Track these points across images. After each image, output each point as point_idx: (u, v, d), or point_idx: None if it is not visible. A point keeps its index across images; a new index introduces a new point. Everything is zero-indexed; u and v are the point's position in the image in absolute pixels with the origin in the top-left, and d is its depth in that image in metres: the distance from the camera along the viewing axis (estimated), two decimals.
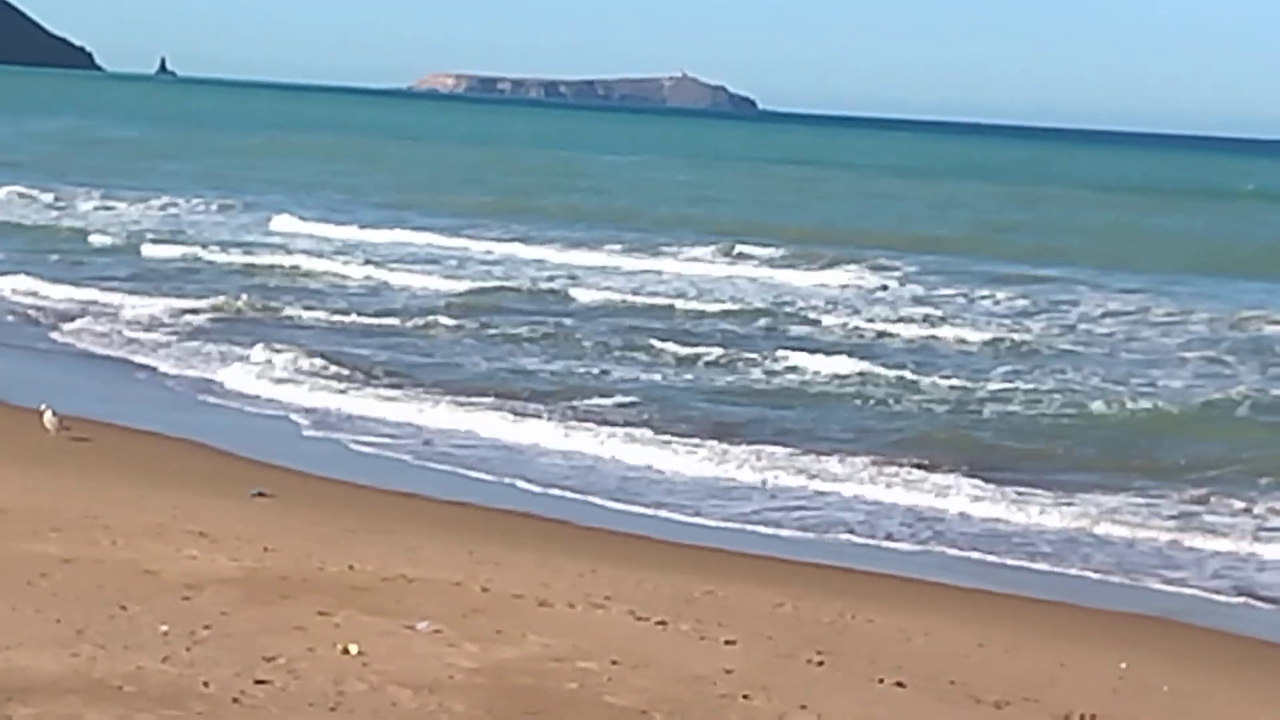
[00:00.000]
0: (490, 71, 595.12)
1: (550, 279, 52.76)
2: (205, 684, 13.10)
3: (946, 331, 44.16)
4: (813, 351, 38.85)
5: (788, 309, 48.16)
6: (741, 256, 60.98)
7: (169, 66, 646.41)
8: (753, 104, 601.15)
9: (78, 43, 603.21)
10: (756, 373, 36.33)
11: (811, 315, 46.73)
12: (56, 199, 70.88)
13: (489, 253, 60.18)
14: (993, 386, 35.88)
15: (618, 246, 62.16)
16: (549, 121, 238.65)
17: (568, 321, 42.99)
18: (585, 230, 68.14)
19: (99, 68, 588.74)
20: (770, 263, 60.01)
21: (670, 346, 38.83)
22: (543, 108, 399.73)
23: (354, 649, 14.52)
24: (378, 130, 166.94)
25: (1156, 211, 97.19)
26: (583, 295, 48.34)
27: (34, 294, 43.16)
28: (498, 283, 50.79)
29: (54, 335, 37.24)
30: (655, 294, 50.09)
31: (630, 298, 48.53)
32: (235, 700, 12.81)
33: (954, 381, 36.20)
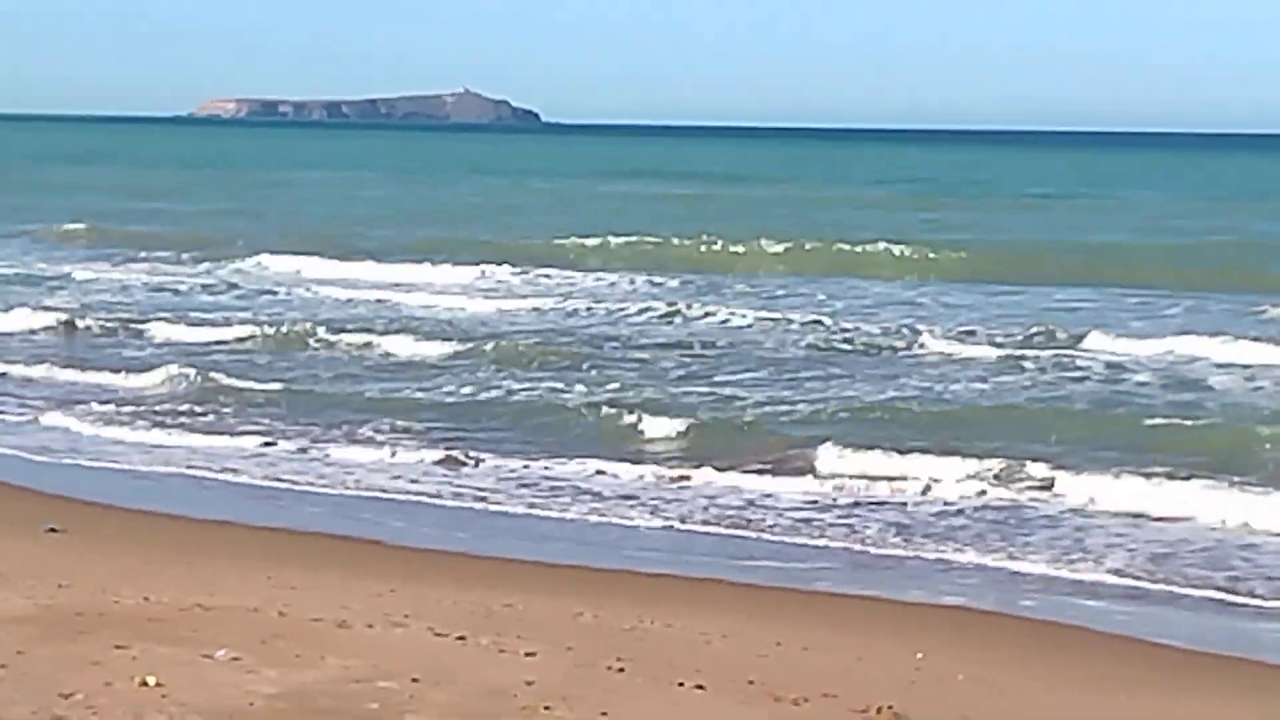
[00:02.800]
0: (271, 95, 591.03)
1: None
2: None
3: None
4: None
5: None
6: None
7: None
8: (536, 117, 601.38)
9: None
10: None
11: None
12: None
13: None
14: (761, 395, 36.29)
15: None
16: (329, 142, 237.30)
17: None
18: None
19: None
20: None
21: None
22: (325, 128, 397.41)
23: (152, 681, 14.37)
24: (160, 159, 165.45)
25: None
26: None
27: None
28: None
29: None
30: None
31: None
32: None
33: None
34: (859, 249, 65.72)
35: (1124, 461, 27.90)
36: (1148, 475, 26.87)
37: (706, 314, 48.60)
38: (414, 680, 14.83)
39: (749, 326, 46.20)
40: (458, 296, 53.42)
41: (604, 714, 14.24)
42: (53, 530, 22.47)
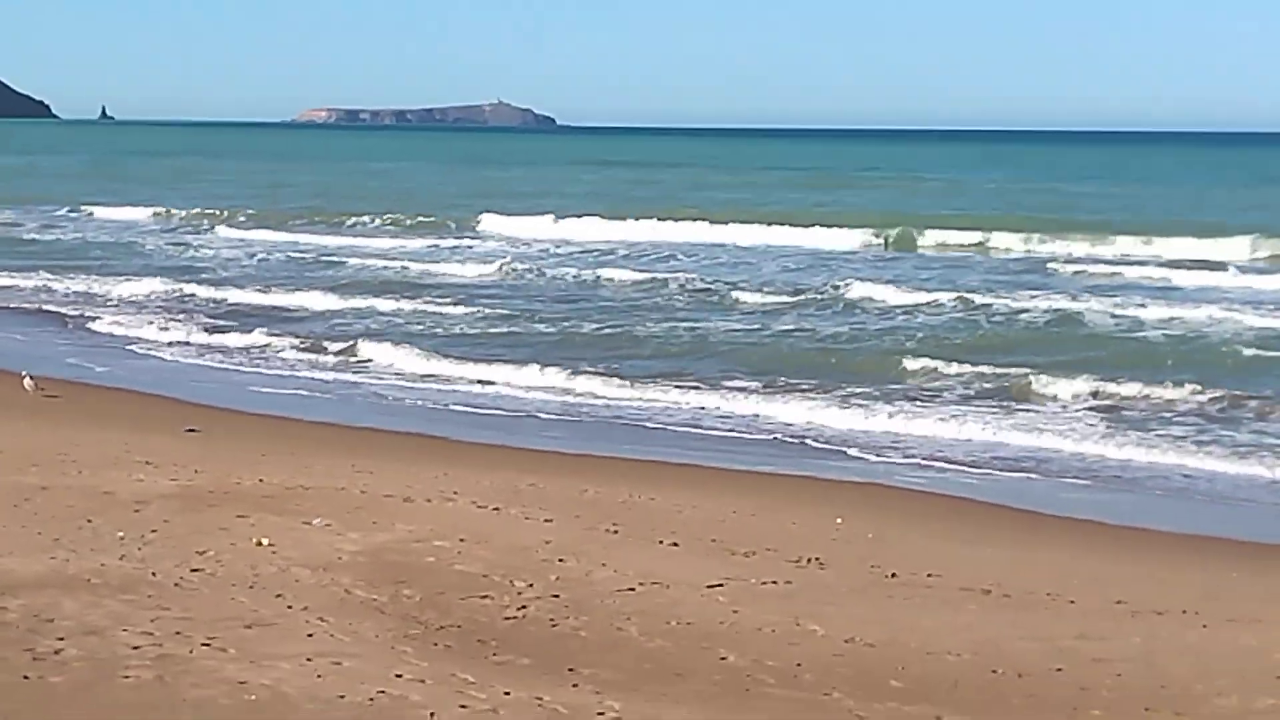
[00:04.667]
0: (353, 105, 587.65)
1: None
2: (153, 574, 12.91)
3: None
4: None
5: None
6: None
7: (108, 112, 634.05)
8: (553, 121, 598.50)
9: (38, 97, 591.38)
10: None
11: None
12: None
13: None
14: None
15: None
16: (396, 142, 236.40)
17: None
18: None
19: (55, 116, 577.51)
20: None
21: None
22: (396, 131, 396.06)
23: (265, 542, 14.37)
24: (277, 154, 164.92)
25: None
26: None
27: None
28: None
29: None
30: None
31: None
32: (176, 585, 12.63)
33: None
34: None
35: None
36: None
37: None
38: (461, 540, 14.83)
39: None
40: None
41: (604, 564, 14.25)
42: (192, 430, 22.40)
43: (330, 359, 30.63)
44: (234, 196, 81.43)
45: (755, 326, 35.00)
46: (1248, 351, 31.17)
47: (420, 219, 66.62)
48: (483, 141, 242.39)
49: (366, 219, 66.56)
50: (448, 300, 39.45)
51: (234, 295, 40.02)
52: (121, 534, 14.41)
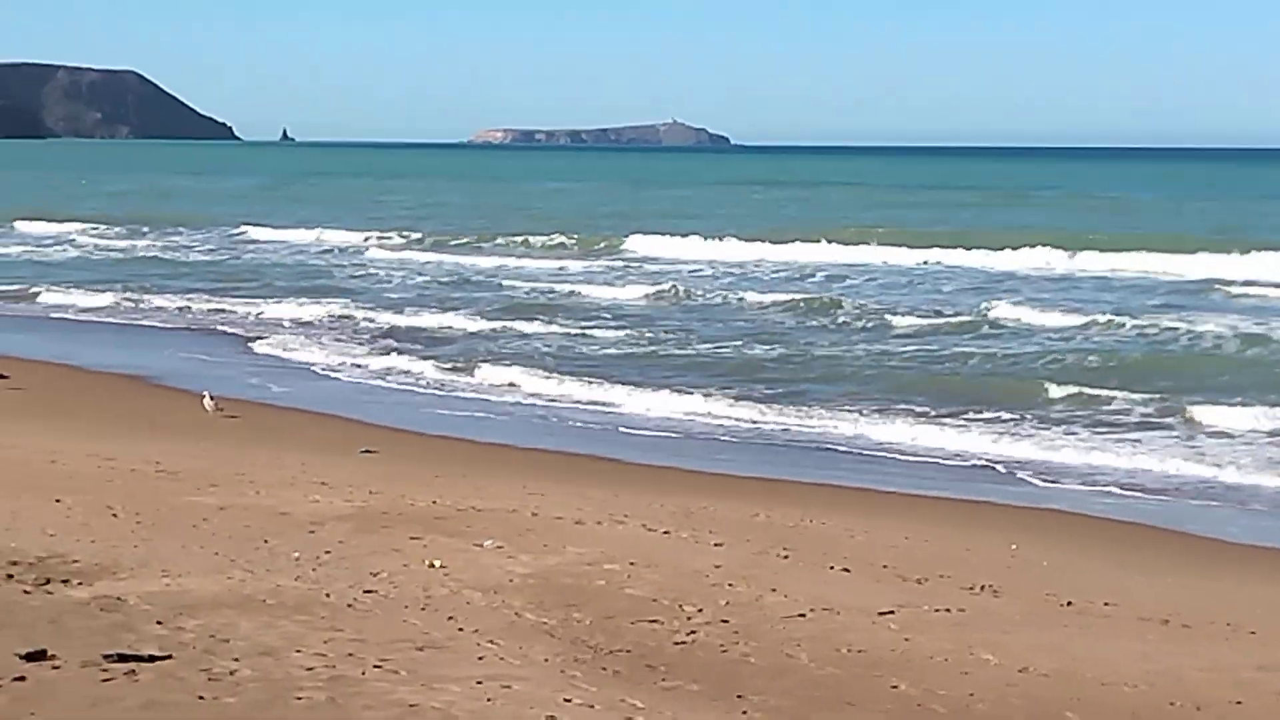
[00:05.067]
0: (529, 125, 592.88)
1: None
2: (327, 595, 13.06)
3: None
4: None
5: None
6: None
7: (289, 134, 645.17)
8: (727, 140, 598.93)
9: (221, 119, 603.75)
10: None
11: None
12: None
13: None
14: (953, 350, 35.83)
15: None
16: (570, 162, 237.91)
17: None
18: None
19: (238, 138, 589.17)
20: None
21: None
22: (571, 151, 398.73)
23: (437, 563, 14.48)
24: (448, 174, 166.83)
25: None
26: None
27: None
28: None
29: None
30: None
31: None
32: (349, 606, 12.77)
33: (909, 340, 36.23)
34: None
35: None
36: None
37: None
38: (631, 563, 14.84)
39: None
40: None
41: (773, 589, 14.18)
42: (367, 451, 22.65)
43: (489, 381, 30.56)
44: (398, 218, 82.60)
45: (914, 349, 34.62)
46: None
47: (578, 239, 66.93)
48: (654, 161, 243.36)
49: (525, 239, 67.00)
50: (607, 322, 39.55)
51: (396, 318, 40.29)
52: (297, 554, 14.60)
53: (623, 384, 29.73)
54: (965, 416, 26.51)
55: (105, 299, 44.42)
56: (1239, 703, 11.50)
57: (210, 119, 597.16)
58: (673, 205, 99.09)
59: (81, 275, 52.09)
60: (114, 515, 16.11)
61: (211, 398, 26.02)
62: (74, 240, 68.90)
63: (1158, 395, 27.85)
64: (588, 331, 37.61)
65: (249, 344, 35.96)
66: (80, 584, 12.88)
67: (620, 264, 58.47)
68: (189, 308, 42.98)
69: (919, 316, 40.19)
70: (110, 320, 41.11)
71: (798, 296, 44.77)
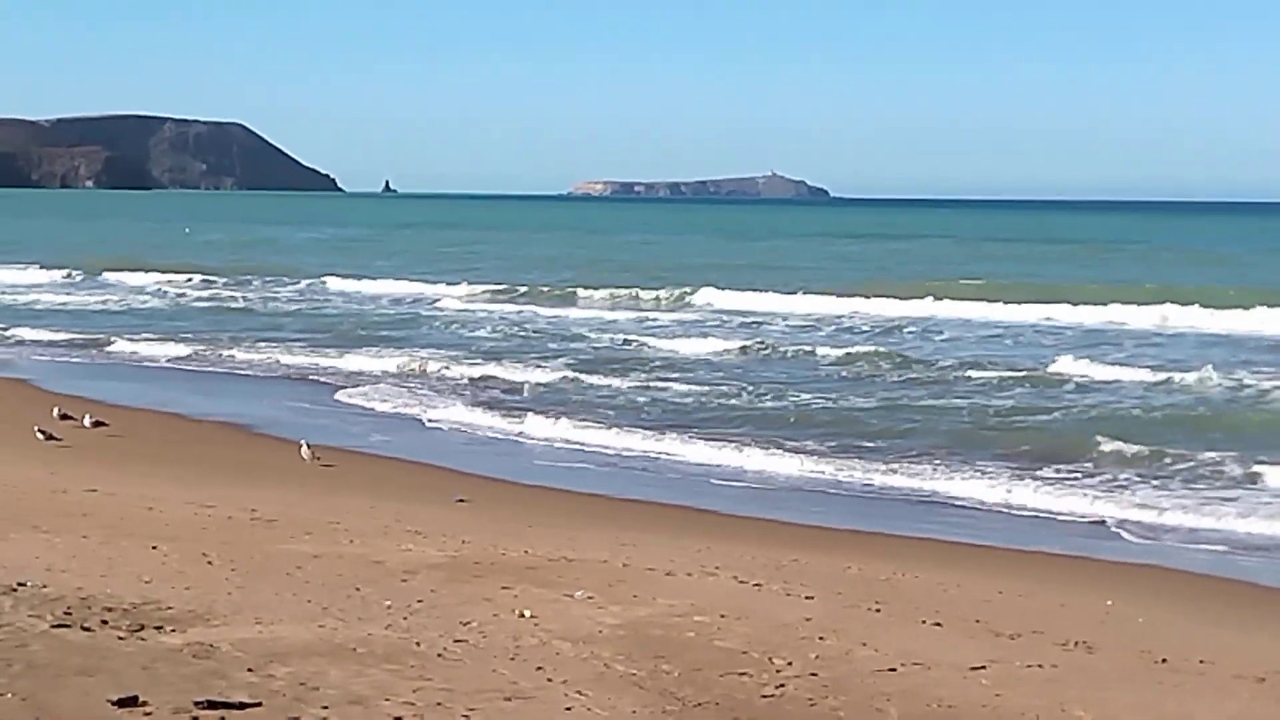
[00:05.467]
0: (628, 177, 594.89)
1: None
2: (418, 644, 13.09)
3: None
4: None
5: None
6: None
7: (391, 186, 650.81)
8: (826, 193, 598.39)
9: (324, 171, 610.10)
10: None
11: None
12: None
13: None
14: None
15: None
16: (671, 215, 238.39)
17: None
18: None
19: (340, 189, 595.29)
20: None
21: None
22: (669, 204, 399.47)
23: (528, 614, 14.49)
24: (555, 225, 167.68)
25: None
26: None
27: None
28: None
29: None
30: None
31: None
32: (440, 655, 12.80)
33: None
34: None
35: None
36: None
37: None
38: (721, 615, 14.79)
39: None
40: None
41: (864, 644, 14.08)
42: (461, 500, 22.76)
43: (575, 433, 30.51)
44: (486, 269, 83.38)
45: (987, 403, 34.31)
46: None
47: (659, 294, 66.66)
48: (751, 213, 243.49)
49: (611, 291, 67.34)
50: (689, 376, 39.44)
51: (482, 368, 40.36)
52: (389, 603, 14.66)
53: (711, 439, 29.47)
54: (1058, 470, 26.30)
55: (180, 349, 44.93)
56: None
57: (314, 170, 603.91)
58: (761, 257, 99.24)
59: (163, 325, 53.20)
60: (209, 562, 16.25)
61: (309, 446, 26.24)
62: (159, 291, 70.02)
63: (1244, 452, 27.42)
64: (670, 383, 37.55)
65: (340, 393, 36.21)
66: (173, 630, 12.99)
67: (695, 316, 58.65)
68: (276, 359, 43.35)
69: (1005, 369, 39.97)
70: (198, 368, 41.61)
71: (874, 348, 44.83)
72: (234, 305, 62.86)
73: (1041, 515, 23.43)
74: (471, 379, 38.58)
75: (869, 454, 27.97)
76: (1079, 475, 26.02)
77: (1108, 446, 27.85)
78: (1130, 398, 35.23)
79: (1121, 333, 52.27)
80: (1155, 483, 25.36)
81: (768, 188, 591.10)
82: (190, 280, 75.28)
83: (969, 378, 38.76)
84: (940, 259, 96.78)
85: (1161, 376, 38.19)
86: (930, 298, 61.84)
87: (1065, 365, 39.97)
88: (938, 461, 27.10)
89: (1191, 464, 26.63)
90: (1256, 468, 26.01)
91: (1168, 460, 26.94)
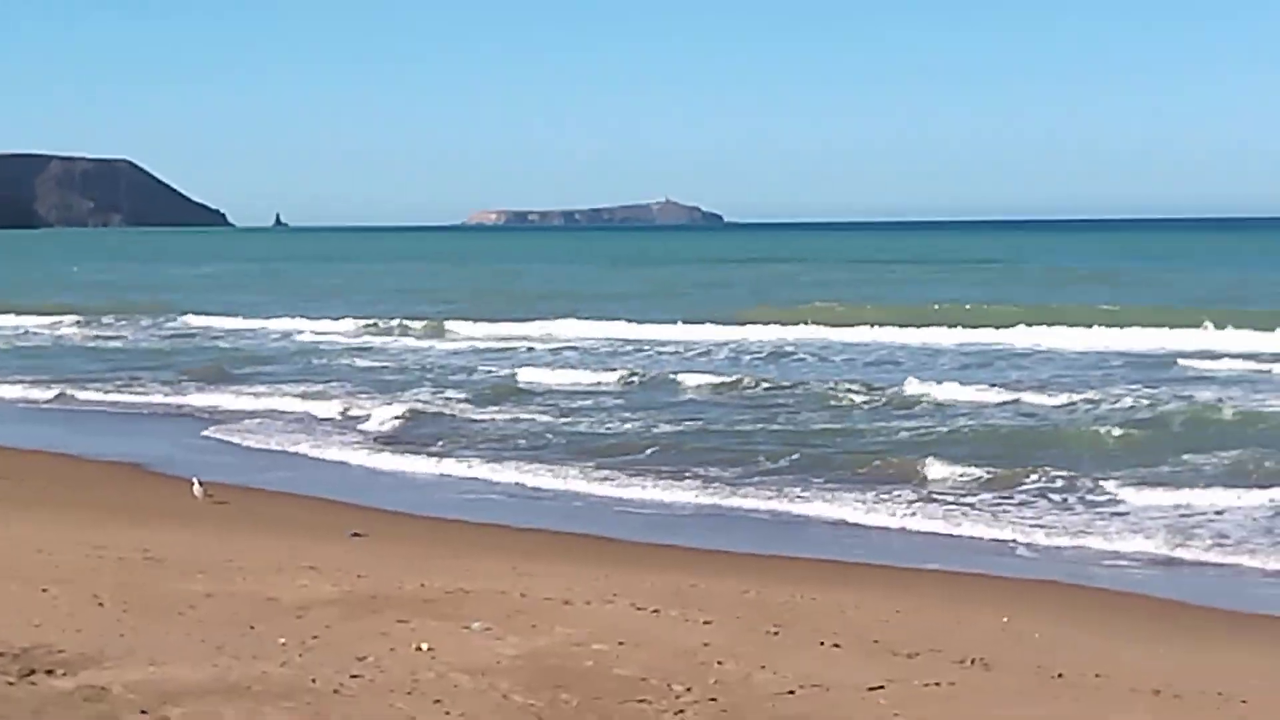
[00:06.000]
0: (521, 206, 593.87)
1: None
2: (313, 680, 12.97)
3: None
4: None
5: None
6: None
7: (282, 219, 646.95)
8: (720, 219, 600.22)
9: (213, 205, 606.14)
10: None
11: None
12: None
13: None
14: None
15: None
16: (565, 243, 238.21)
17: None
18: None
19: (230, 224, 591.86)
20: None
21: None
22: (562, 232, 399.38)
23: (425, 647, 14.40)
24: (444, 256, 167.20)
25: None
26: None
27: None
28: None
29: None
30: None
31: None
32: (335, 691, 12.69)
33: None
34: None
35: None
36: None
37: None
38: (620, 643, 14.76)
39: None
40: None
41: (763, 667, 14.10)
42: (356, 534, 22.62)
43: (466, 466, 30.36)
44: (358, 302, 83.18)
45: (882, 425, 34.65)
46: None
47: (533, 324, 65.79)
48: (643, 240, 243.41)
49: (482, 323, 66.63)
50: (569, 406, 39.30)
51: (365, 401, 39.99)
52: (283, 640, 14.52)
53: (595, 467, 29.48)
54: (950, 490, 26.54)
55: (48, 391, 44.20)
56: None
57: (203, 205, 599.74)
58: (647, 284, 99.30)
59: (37, 363, 52.72)
60: (100, 604, 16.04)
61: (200, 483, 26.00)
62: (33, 331, 69.24)
63: (1109, 471, 27.71)
64: (548, 413, 37.47)
65: (223, 429, 35.90)
66: (65, 674, 12.81)
67: (574, 346, 58.28)
68: (158, 398, 42.85)
69: (869, 390, 40.31)
70: (75, 408, 41.11)
71: (748, 375, 44.82)
72: (111, 344, 62.13)
73: (939, 535, 23.59)
74: (352, 414, 38.07)
75: (759, 479, 28.07)
76: (963, 494, 26.28)
77: (985, 467, 28.01)
78: (999, 416, 35.58)
79: (991, 353, 52.72)
80: (1040, 500, 25.60)
81: (662, 214, 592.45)
82: (64, 320, 74.34)
83: (839, 399, 38.94)
84: (826, 282, 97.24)
85: (1017, 396, 38.61)
86: (804, 323, 62.42)
87: (927, 388, 40.08)
88: (836, 486, 27.23)
89: (1061, 482, 26.83)
90: (1118, 486, 26.20)
91: (1036, 478, 27.14)
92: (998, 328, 58.31)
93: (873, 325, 60.61)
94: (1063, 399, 37.83)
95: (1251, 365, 45.23)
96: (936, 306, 68.79)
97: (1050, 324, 57.95)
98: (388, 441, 33.47)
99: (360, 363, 52.40)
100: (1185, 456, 28.96)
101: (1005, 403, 37.88)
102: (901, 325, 60.08)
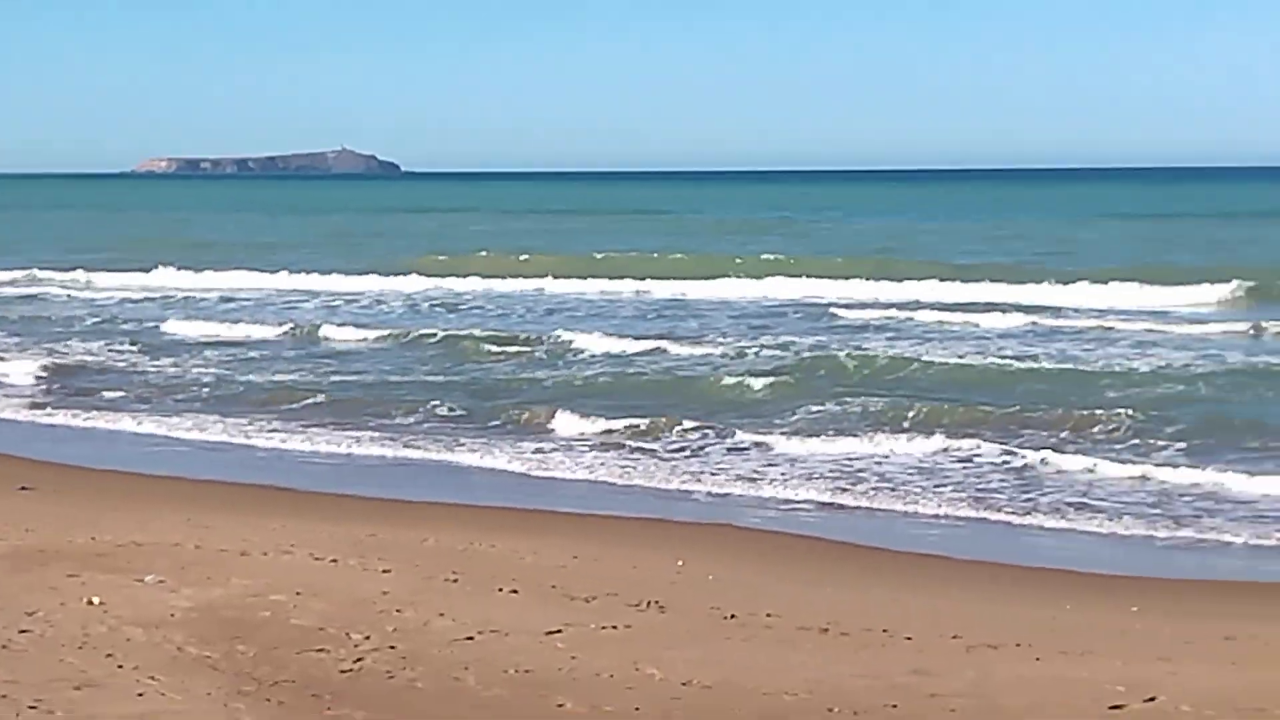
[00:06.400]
0: (193, 154, 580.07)
1: None
2: None
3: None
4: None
5: None
6: None
7: None
8: (397, 167, 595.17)
9: None
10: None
11: None
12: None
13: None
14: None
15: None
16: (236, 191, 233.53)
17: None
18: None
19: None
20: None
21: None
22: (235, 180, 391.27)
23: (96, 600, 14.17)
24: (110, 204, 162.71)
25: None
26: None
27: None
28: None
29: None
30: None
31: None
32: (3, 647, 12.42)
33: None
34: None
35: None
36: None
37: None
38: (298, 593, 14.72)
39: None
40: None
41: (442, 614, 14.19)
42: (24, 488, 22.05)
43: (134, 419, 29.69)
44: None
45: (512, 376, 34.93)
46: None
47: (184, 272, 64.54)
48: (316, 189, 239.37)
49: (133, 273, 64.45)
50: (229, 357, 38.87)
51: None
52: None
53: (279, 419, 29.24)
54: (610, 440, 26.91)
55: None
56: (894, 706, 11.86)
57: None
58: (319, 234, 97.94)
59: None
60: None
61: None
62: None
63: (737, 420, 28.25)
64: (213, 366, 36.95)
65: None
66: None
67: (236, 297, 56.99)
68: None
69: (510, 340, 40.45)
70: None
71: (408, 328, 44.20)
72: None
73: (618, 485, 23.86)
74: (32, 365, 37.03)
75: (431, 428, 28.17)
76: (627, 443, 26.60)
77: (644, 416, 28.21)
78: (650, 366, 35.93)
79: (655, 303, 52.69)
80: (709, 448, 26.03)
81: (339, 162, 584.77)
82: None
83: (498, 350, 38.91)
84: (498, 232, 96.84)
85: (670, 346, 38.79)
86: (461, 274, 61.81)
87: (580, 338, 40.27)
88: (491, 435, 27.46)
89: (724, 430, 27.15)
90: (779, 434, 26.76)
91: (693, 426, 27.35)
92: (664, 279, 58.63)
93: (544, 276, 60.50)
94: (718, 350, 38.26)
95: (897, 314, 46.26)
96: (599, 255, 69.09)
97: (711, 277, 58.16)
98: (46, 394, 32.60)
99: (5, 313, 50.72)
100: (844, 403, 29.51)
101: (651, 351, 38.09)
102: (568, 276, 60.08)
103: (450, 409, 29.77)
